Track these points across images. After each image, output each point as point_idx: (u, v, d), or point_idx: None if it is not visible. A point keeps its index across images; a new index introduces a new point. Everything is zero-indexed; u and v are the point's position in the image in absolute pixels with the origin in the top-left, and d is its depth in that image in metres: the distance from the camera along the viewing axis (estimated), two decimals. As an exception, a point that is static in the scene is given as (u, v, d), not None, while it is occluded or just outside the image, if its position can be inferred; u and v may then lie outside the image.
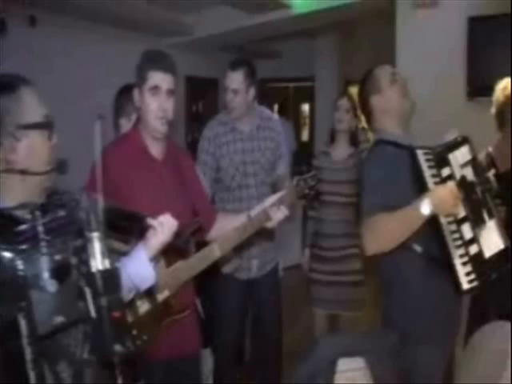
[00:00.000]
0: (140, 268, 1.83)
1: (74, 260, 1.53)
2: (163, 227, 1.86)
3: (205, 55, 8.25)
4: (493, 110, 3.05)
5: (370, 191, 2.40)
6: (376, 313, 2.96)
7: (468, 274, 2.33)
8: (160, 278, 2.20)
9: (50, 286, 1.45)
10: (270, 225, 2.54)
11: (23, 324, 1.43)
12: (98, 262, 1.38)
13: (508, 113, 2.93)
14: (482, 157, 2.87)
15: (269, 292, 3.63)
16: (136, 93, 2.47)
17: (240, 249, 3.21)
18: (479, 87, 4.97)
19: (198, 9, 6.90)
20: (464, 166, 2.42)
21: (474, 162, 2.46)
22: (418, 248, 2.38)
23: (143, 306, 2.31)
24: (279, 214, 2.52)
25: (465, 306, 2.84)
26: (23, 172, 1.55)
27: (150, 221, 1.83)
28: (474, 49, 5.13)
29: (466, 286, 2.33)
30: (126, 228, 1.80)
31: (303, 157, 7.44)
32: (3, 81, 1.59)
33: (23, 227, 1.49)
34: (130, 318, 2.26)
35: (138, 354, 1.94)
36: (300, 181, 2.61)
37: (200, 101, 8.66)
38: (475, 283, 2.34)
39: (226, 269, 3.41)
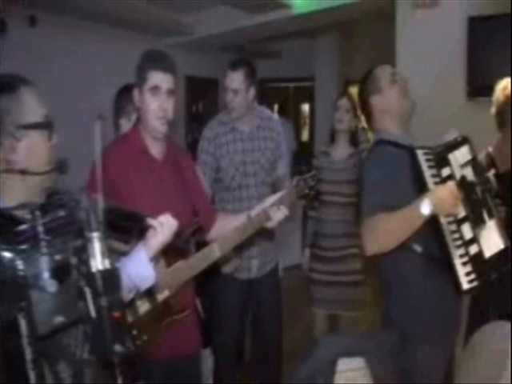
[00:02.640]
0: (140, 268, 1.83)
1: (74, 260, 1.53)
2: (163, 227, 1.86)
3: (205, 55, 8.25)
4: (493, 110, 3.05)
5: (370, 191, 2.40)
6: (376, 313, 2.97)
7: (468, 273, 2.34)
8: (160, 278, 2.20)
9: (50, 286, 1.45)
10: (270, 225, 2.54)
11: (23, 324, 1.43)
12: (98, 262, 1.38)
13: (508, 113, 2.93)
14: (481, 157, 2.88)
15: (269, 292, 3.63)
16: (136, 93, 2.47)
17: (240, 249, 3.22)
18: (479, 87, 4.97)
19: (198, 9, 6.90)
20: (464, 165, 2.42)
21: (473, 162, 2.46)
22: (418, 248, 2.38)
23: (143, 306, 2.31)
24: (279, 214, 2.52)
25: (465, 306, 2.84)
26: (23, 172, 1.55)
27: (150, 221, 1.83)
28: (473, 49, 5.13)
29: (466, 285, 2.33)
30: (125, 228, 1.80)
31: (303, 157, 7.46)
32: (3, 81, 1.60)
33: (23, 227, 1.49)
34: (129, 318, 2.26)
35: (138, 354, 1.93)
36: (300, 181, 2.61)
37: (200, 101, 8.66)
38: (475, 283, 2.35)
39: (226, 269, 3.41)
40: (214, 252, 2.43)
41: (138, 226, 1.81)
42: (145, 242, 1.89)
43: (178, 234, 1.97)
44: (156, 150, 2.50)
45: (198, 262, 2.42)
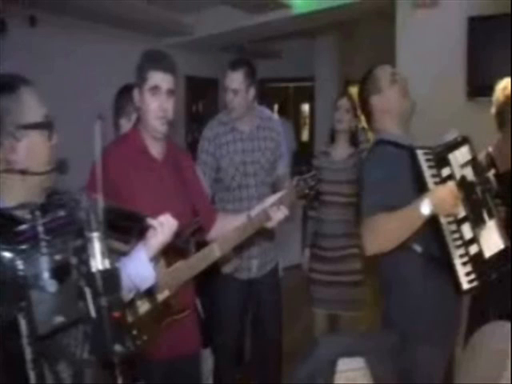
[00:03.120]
0: (140, 268, 1.84)
1: (73, 260, 1.53)
2: (163, 227, 1.87)
3: (205, 55, 8.26)
4: (493, 110, 3.05)
5: (370, 191, 2.40)
6: (376, 313, 2.97)
7: (468, 273, 2.34)
8: (160, 278, 2.21)
9: (50, 286, 1.45)
10: (270, 225, 2.54)
11: (23, 324, 1.44)
12: (98, 262, 1.38)
13: (508, 113, 2.94)
14: (481, 157, 2.88)
15: (269, 292, 3.64)
16: (136, 93, 2.48)
17: (240, 249, 3.22)
18: (479, 87, 4.98)
19: (198, 9, 6.90)
20: (464, 166, 2.42)
21: (473, 162, 2.46)
22: (417, 248, 2.39)
23: (143, 306, 2.31)
24: (279, 214, 2.52)
25: (465, 305, 2.84)
26: (23, 172, 1.56)
27: (150, 221, 1.84)
28: (473, 49, 5.14)
29: (465, 286, 2.34)
30: (126, 228, 1.80)
31: (303, 157, 7.47)
32: (3, 81, 1.61)
33: (23, 227, 1.49)
34: (130, 318, 2.26)
35: (138, 354, 1.94)
36: (300, 181, 2.61)
37: (200, 101, 8.68)
38: (475, 283, 2.35)
39: (226, 269, 3.41)
40: (214, 252, 2.44)
41: (137, 226, 1.82)
42: (145, 242, 1.90)
43: (178, 234, 1.98)
44: (156, 150, 2.51)
45: (198, 262, 2.42)
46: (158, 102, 2.42)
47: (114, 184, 2.30)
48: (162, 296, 2.35)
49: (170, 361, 2.45)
